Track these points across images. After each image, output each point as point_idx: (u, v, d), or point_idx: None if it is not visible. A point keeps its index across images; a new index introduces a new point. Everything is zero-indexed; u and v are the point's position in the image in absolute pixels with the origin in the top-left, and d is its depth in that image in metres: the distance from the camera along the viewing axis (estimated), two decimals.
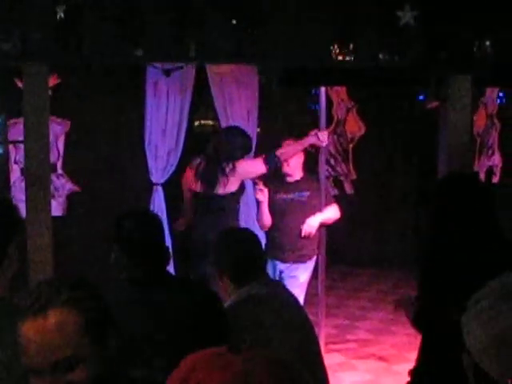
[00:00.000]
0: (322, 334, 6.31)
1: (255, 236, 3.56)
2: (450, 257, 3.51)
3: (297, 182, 6.26)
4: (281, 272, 6.24)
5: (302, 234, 6.11)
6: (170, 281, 3.15)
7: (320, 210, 6.19)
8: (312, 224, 6.13)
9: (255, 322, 3.11)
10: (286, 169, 6.21)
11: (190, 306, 3.00)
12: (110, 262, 3.08)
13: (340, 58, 5.16)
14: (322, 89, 6.24)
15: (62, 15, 4.94)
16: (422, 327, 3.67)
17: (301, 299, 5.69)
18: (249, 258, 3.38)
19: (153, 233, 3.11)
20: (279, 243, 6.19)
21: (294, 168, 6.22)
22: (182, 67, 7.11)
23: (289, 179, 6.26)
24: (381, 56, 5.13)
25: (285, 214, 6.18)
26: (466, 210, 3.52)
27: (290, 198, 6.20)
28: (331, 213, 6.28)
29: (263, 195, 6.12)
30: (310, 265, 6.33)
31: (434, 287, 3.54)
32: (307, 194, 6.22)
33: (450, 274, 3.45)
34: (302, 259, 6.24)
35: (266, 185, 6.15)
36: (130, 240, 3.02)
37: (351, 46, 5.17)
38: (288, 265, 6.24)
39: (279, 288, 3.67)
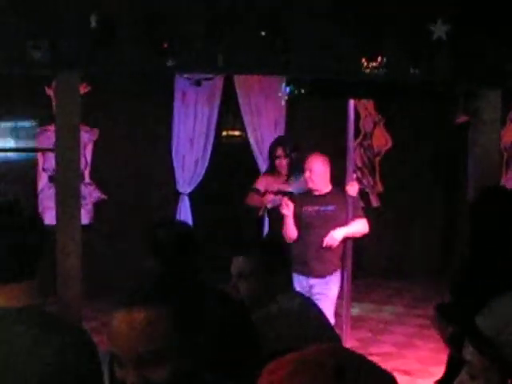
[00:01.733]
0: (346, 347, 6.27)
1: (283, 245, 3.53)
2: (490, 278, 3.36)
3: (323, 195, 6.21)
4: (310, 287, 6.17)
5: (323, 245, 6.07)
6: (200, 290, 3.16)
7: (346, 223, 6.16)
8: (335, 236, 6.08)
9: (288, 335, 3.09)
10: (310, 184, 6.18)
11: (218, 314, 3.01)
12: (139, 269, 3.10)
13: (369, 71, 5.16)
14: (351, 101, 6.21)
15: (95, 24, 4.98)
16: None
17: (330, 313, 5.65)
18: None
19: (186, 243, 3.13)
20: (304, 256, 6.12)
21: (319, 182, 6.17)
22: (211, 78, 7.14)
23: (316, 192, 6.23)
24: (411, 70, 5.11)
25: (310, 227, 6.13)
26: (505, 228, 3.43)
27: (316, 211, 6.16)
28: (358, 226, 6.23)
29: (288, 209, 6.11)
30: (335, 278, 6.28)
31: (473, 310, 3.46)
32: (333, 207, 6.17)
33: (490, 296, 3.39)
34: (326, 273, 6.19)
35: (292, 199, 6.15)
36: (163, 249, 3.04)
37: (379, 59, 5.17)
38: (312, 278, 6.19)
39: (306, 301, 3.65)
